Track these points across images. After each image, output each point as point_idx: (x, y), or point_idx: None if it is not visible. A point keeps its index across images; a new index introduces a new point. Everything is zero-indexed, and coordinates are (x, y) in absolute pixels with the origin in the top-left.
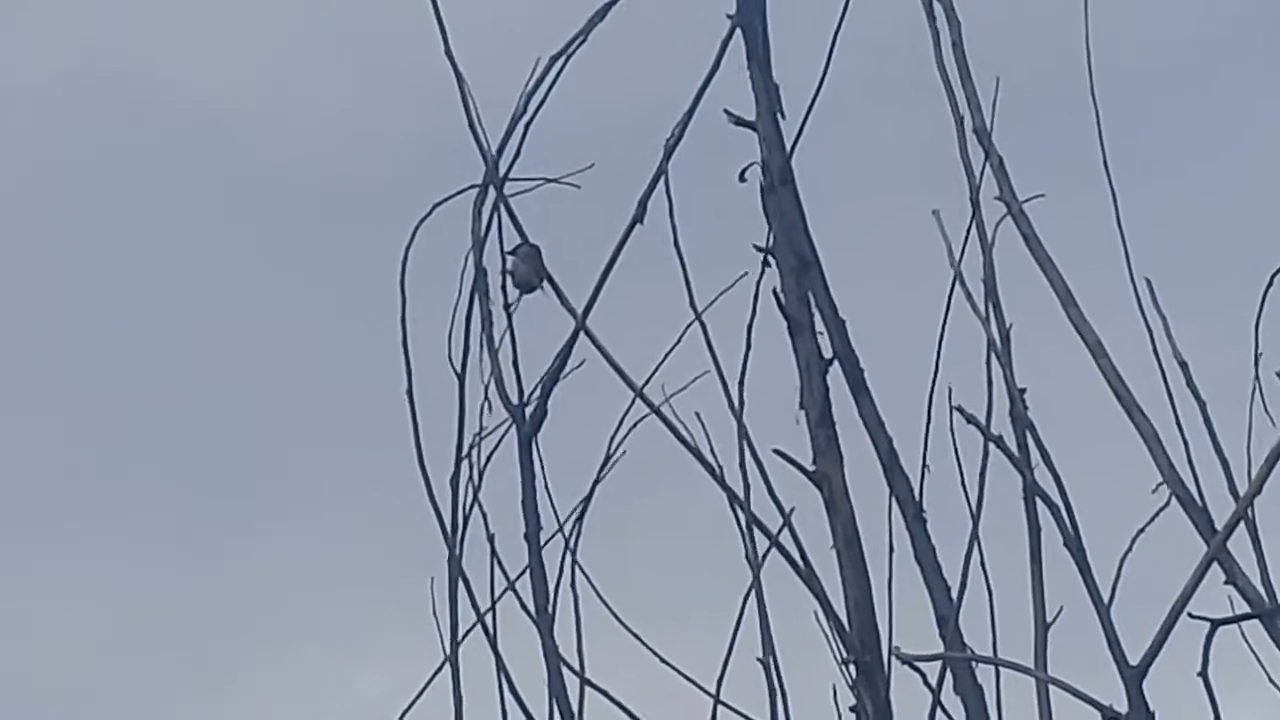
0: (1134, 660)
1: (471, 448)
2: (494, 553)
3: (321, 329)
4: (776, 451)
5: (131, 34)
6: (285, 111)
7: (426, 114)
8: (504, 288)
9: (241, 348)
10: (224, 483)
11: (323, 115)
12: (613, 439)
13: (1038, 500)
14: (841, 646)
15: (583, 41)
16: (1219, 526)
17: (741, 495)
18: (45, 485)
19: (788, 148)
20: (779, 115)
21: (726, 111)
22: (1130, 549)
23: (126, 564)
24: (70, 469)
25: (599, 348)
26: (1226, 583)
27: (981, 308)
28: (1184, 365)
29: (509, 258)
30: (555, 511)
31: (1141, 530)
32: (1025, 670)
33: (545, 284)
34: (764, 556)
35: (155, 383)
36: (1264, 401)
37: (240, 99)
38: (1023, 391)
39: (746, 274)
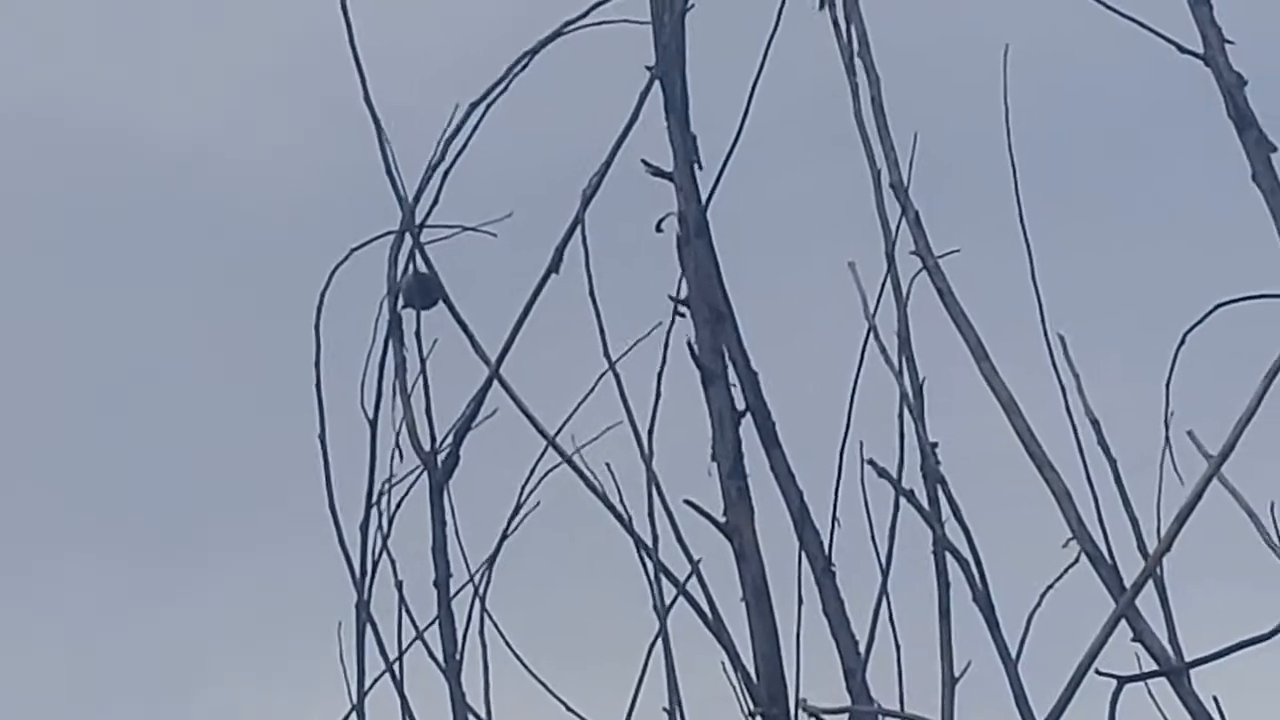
0: (1040, 717)
1: (382, 494)
2: (402, 600)
3: (241, 370)
4: (687, 502)
5: (49, 67)
6: (206, 153)
7: (348, 159)
8: (418, 334)
9: (165, 387)
10: (146, 525)
11: (243, 159)
12: (524, 488)
13: (948, 555)
14: (748, 698)
15: (504, 89)
16: (1128, 584)
17: (651, 545)
18: None
19: (704, 199)
20: (696, 166)
21: (644, 162)
22: (1039, 605)
23: (53, 604)
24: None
25: (512, 396)
26: (1134, 640)
27: (895, 362)
28: (1096, 423)
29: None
30: (465, 559)
31: (1050, 586)
32: None
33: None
34: (671, 605)
35: (71, 420)
36: (1174, 460)
37: (159, 138)
38: (935, 446)
39: (661, 324)
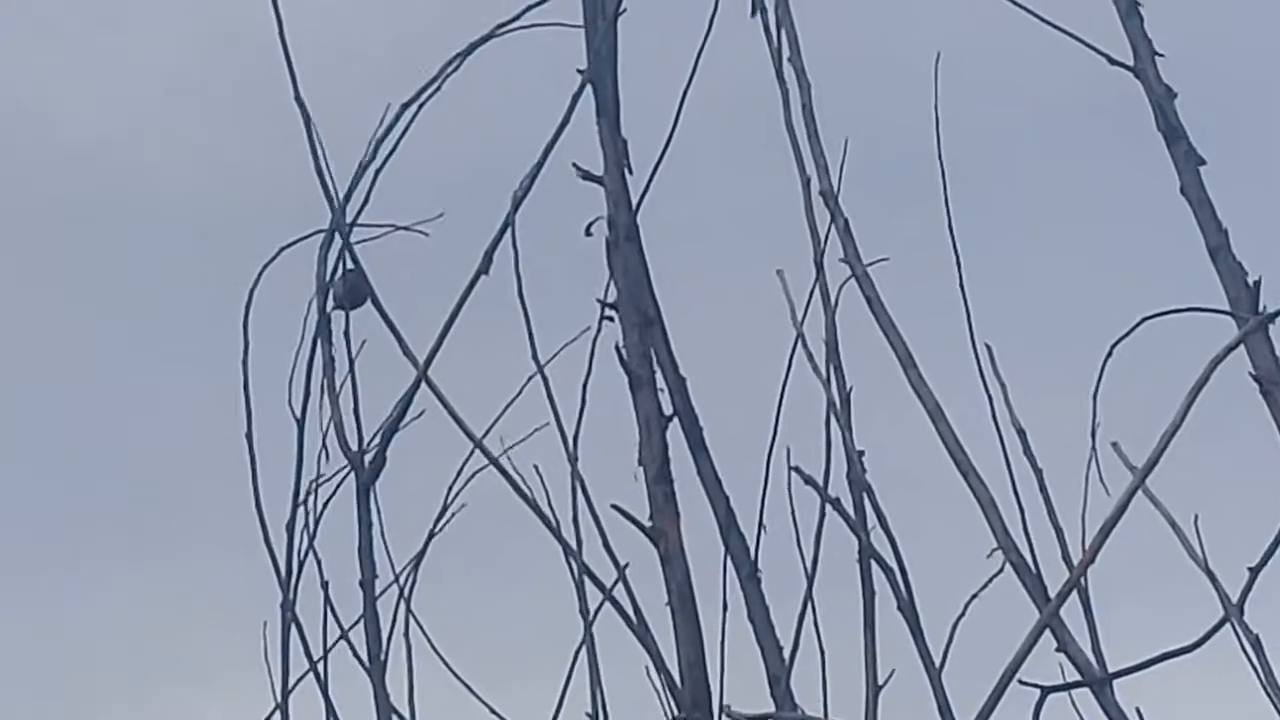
0: None
1: (309, 494)
2: (328, 600)
3: (169, 369)
4: (614, 507)
5: None
6: (139, 150)
7: (279, 158)
8: (346, 334)
9: (88, 384)
10: (70, 524)
11: (175, 156)
12: (450, 489)
13: (873, 563)
14: (673, 703)
15: (435, 90)
16: (1052, 594)
17: (577, 549)
18: None
19: (634, 203)
20: (626, 171)
21: (574, 165)
22: (963, 614)
23: None
24: None
25: (440, 397)
26: (1058, 650)
27: (823, 369)
28: (1022, 433)
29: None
30: (391, 560)
31: (975, 595)
32: None
33: (370, 301)
34: (597, 610)
35: None
36: (1100, 471)
37: (84, 132)
38: (861, 454)
39: (589, 328)
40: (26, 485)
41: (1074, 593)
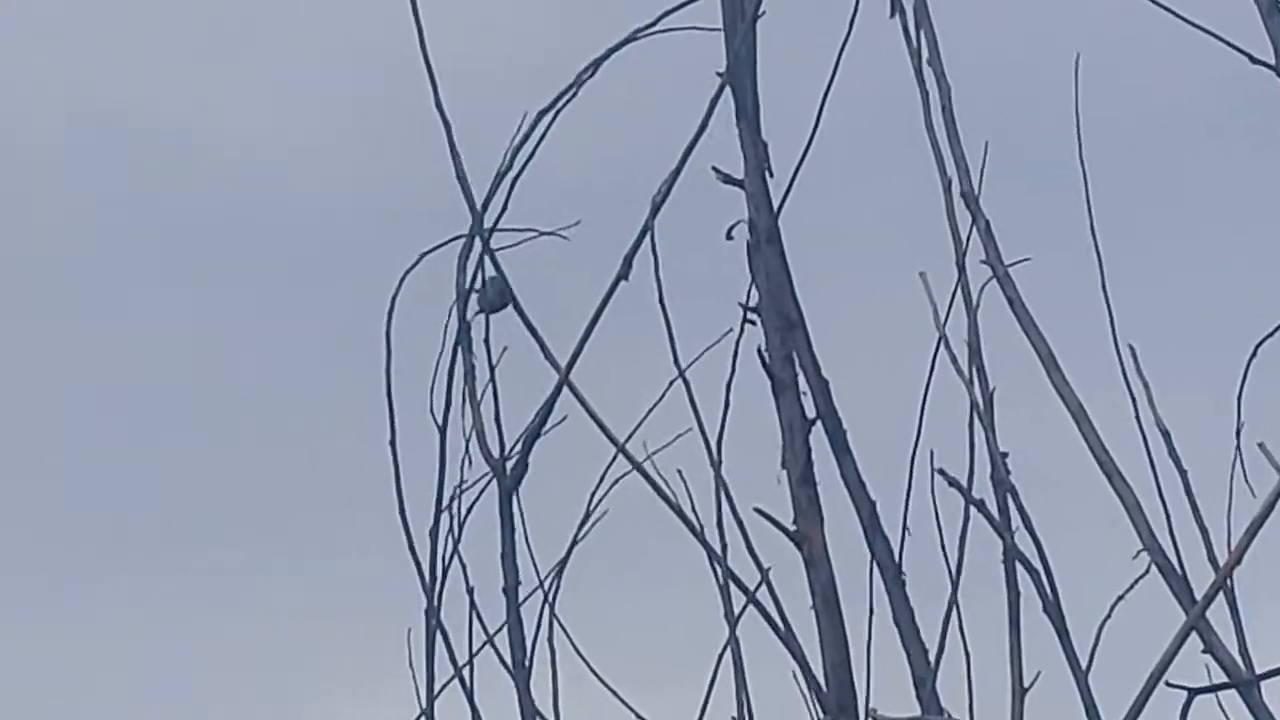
0: None
1: (452, 500)
2: (473, 605)
3: (311, 375)
4: (757, 510)
5: (127, 74)
6: (278, 158)
7: (418, 165)
8: (487, 340)
9: (224, 396)
10: (215, 532)
11: (316, 165)
12: (593, 495)
13: (1017, 565)
14: (818, 707)
15: (572, 96)
16: (1198, 596)
17: (720, 553)
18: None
19: (775, 206)
20: (767, 174)
21: (714, 169)
22: (1109, 616)
23: (117, 618)
24: (61, 531)
25: (582, 403)
26: (1204, 652)
27: (965, 371)
28: (1166, 434)
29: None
30: (535, 566)
31: (1121, 597)
32: None
33: (513, 304)
34: (741, 614)
35: (134, 435)
36: (1245, 472)
37: (228, 142)
38: (1005, 455)
39: (730, 332)
40: (168, 494)
41: (1220, 594)
